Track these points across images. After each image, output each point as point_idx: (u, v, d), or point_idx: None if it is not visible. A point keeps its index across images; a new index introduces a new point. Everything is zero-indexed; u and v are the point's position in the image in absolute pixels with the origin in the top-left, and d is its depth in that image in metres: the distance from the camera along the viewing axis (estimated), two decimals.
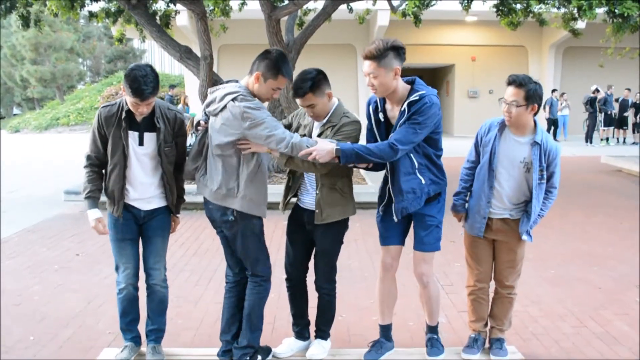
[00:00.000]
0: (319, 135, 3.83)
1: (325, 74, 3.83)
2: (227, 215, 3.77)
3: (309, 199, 3.97)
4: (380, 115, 3.87)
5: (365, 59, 3.66)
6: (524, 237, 4.00)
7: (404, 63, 3.70)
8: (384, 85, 3.67)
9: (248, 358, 3.92)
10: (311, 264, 4.20)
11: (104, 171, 3.96)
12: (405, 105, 3.68)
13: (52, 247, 7.40)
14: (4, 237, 7.97)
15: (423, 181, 3.82)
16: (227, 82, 3.78)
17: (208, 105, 3.77)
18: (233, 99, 3.59)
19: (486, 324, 4.30)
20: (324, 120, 3.86)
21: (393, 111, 3.83)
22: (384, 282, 4.15)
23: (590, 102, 21.26)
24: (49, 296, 5.61)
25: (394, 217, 3.89)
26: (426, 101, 3.64)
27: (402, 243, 4.08)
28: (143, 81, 3.60)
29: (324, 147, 3.54)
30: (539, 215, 3.99)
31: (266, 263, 3.97)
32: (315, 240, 4.04)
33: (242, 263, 3.97)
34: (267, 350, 4.16)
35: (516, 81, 3.76)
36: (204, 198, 3.90)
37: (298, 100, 3.76)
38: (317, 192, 3.88)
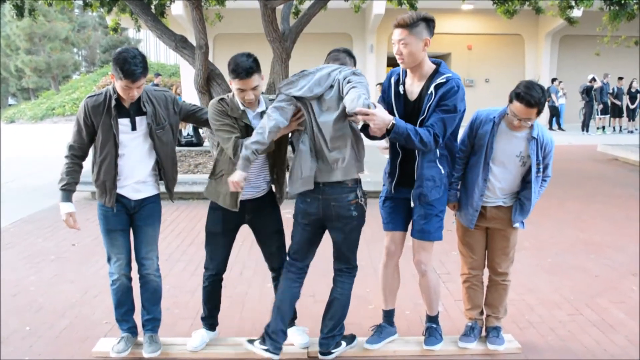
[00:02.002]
0: None
1: None
2: (350, 211, 3.77)
3: (253, 190, 3.96)
4: (401, 88, 3.84)
5: (396, 27, 3.65)
6: (517, 224, 4.01)
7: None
8: (413, 54, 3.65)
9: (333, 346, 3.99)
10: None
11: (93, 162, 3.93)
12: (432, 88, 3.66)
13: (48, 238, 7.38)
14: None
15: (443, 171, 3.83)
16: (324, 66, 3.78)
17: (311, 90, 3.63)
18: (336, 76, 3.63)
19: (482, 312, 4.31)
20: (263, 107, 3.87)
21: (412, 86, 3.82)
22: (387, 267, 4.19)
23: (587, 91, 21.25)
24: (45, 286, 5.60)
25: (411, 203, 3.89)
26: (453, 85, 3.64)
27: (405, 229, 4.09)
28: (133, 62, 3.60)
29: (383, 116, 3.39)
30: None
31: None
32: (266, 224, 4.08)
33: (312, 254, 4.03)
34: (352, 338, 4.19)
35: (530, 102, 3.62)
36: (319, 195, 3.78)
37: (241, 83, 3.66)
38: (275, 177, 4.01)
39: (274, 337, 3.88)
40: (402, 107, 3.83)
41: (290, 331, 4.18)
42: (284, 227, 4.18)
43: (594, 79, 21.23)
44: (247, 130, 3.80)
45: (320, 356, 4.01)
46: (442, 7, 22.23)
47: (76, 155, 3.89)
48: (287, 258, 4.06)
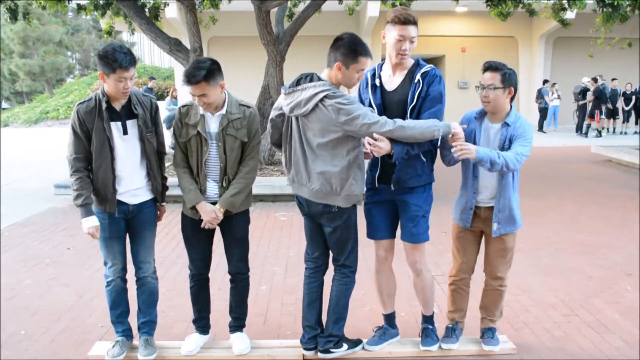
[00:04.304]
0: (224, 129, 3.87)
1: (220, 65, 3.84)
2: (330, 207, 3.80)
3: (214, 192, 3.98)
4: (377, 81, 3.93)
5: (410, 24, 3.70)
6: (495, 226, 3.96)
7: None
8: (412, 49, 3.81)
9: (332, 345, 4.01)
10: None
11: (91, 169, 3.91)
12: (419, 76, 3.78)
13: (43, 241, 7.37)
14: None
15: (426, 162, 3.88)
16: (305, 76, 3.75)
17: (292, 110, 3.71)
18: (323, 98, 3.59)
19: (464, 315, 4.32)
20: (223, 111, 3.90)
21: (391, 78, 3.91)
22: (380, 273, 4.22)
23: (582, 93, 21.29)
24: (41, 290, 5.59)
25: (391, 186, 3.90)
26: (436, 74, 3.81)
27: (393, 235, 4.10)
28: (121, 51, 3.64)
29: (386, 147, 3.60)
30: (496, 158, 3.68)
31: (356, 255, 4.06)
32: (228, 230, 4.08)
33: (322, 249, 4.05)
34: (356, 342, 4.20)
35: (492, 66, 3.84)
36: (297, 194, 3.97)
37: (190, 89, 3.73)
38: (223, 187, 3.98)
39: (303, 331, 4.11)
40: (378, 98, 3.90)
41: (233, 336, 4.26)
42: (249, 236, 4.22)
43: (595, 80, 21.25)
44: (199, 137, 3.86)
45: (319, 354, 4.04)
46: (436, 9, 22.28)
47: (83, 167, 3.84)
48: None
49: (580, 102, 21.29)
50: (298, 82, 3.74)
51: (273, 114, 3.97)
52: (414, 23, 3.70)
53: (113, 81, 3.68)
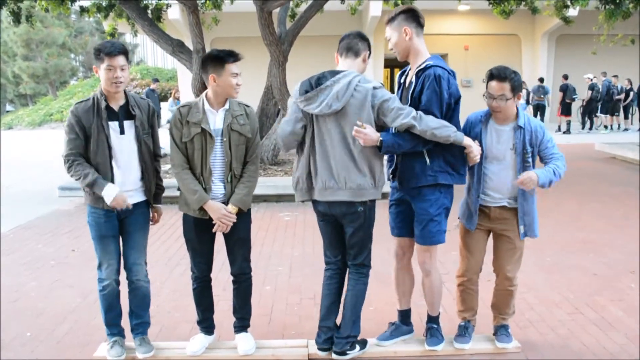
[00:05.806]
0: (229, 125, 3.89)
1: None
2: (355, 207, 3.81)
3: (219, 191, 3.97)
4: (402, 79, 4.04)
5: (386, 25, 3.93)
6: (522, 229, 4.03)
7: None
8: (398, 45, 3.88)
9: (349, 347, 4.01)
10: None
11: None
12: (414, 76, 3.82)
13: (47, 243, 7.39)
14: None
15: (428, 163, 3.81)
16: (323, 75, 3.78)
17: (330, 105, 3.67)
18: (358, 83, 3.69)
19: (475, 313, 4.32)
20: (226, 107, 3.94)
21: (410, 76, 3.97)
22: (397, 271, 4.26)
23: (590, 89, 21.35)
24: (45, 292, 5.60)
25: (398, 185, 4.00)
26: (431, 73, 3.72)
27: (410, 234, 4.10)
28: (109, 42, 3.78)
29: (372, 136, 3.63)
30: (553, 177, 3.85)
31: (371, 254, 4.07)
32: (231, 230, 4.02)
33: (343, 251, 4.05)
34: (364, 343, 4.19)
35: (500, 76, 3.78)
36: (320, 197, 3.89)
37: (234, 67, 3.87)
38: (229, 182, 3.97)
39: (319, 331, 4.08)
40: (400, 96, 3.99)
41: (238, 337, 4.25)
42: (251, 236, 4.22)
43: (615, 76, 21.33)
44: (204, 135, 3.86)
45: (334, 355, 4.03)
46: (439, 8, 22.26)
47: (80, 154, 3.83)
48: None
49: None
50: (318, 83, 3.74)
51: (296, 126, 3.86)
52: (385, 23, 3.92)
53: (103, 71, 3.74)
